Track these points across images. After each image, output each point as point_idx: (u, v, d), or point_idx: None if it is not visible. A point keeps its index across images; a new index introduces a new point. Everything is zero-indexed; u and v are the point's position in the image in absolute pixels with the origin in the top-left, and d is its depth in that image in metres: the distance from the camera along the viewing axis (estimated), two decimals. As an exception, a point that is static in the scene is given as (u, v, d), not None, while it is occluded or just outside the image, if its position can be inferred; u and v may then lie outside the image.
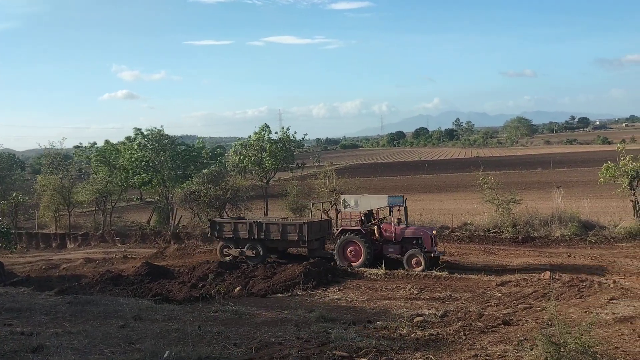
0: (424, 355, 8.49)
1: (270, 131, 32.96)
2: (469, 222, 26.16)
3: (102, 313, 12.22)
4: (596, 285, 14.10)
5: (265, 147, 31.49)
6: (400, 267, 18.56)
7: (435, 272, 17.05)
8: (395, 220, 19.51)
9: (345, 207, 19.64)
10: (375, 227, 19.45)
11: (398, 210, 19.94)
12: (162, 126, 36.20)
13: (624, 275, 15.86)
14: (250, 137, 33.09)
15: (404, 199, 20.16)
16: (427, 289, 14.76)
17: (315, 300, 13.69)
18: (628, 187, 22.44)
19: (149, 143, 34.84)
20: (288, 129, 32.99)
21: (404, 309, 12.16)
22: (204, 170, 31.60)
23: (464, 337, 9.59)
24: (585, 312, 11.35)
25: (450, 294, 14.01)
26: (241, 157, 32.14)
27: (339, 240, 19.32)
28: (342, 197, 20.15)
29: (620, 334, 9.70)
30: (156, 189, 34.04)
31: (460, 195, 41.91)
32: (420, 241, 18.63)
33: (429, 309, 12.08)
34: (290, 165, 33.03)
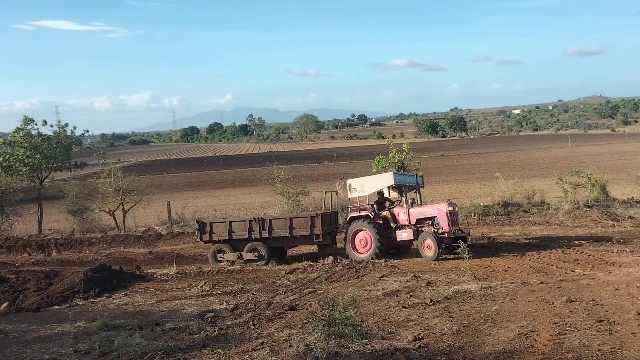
0: (212, 351, 8.49)
1: (43, 123, 29.17)
2: (261, 215, 26.93)
3: None
4: (371, 266, 15.68)
5: (36, 144, 27.97)
6: (193, 263, 18.27)
7: (228, 267, 17.15)
8: (410, 202, 17.58)
9: (351, 192, 17.75)
10: (388, 212, 17.50)
11: (414, 191, 18.02)
12: None
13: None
14: (15, 132, 28.93)
15: (417, 176, 18.49)
16: (219, 284, 14.78)
17: (98, 308, 12.70)
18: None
19: None
20: (66, 124, 29.85)
21: (195, 307, 12.01)
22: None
23: (252, 327, 9.85)
24: (361, 290, 12.54)
25: (242, 286, 14.23)
26: (6, 157, 28.06)
27: (347, 230, 17.32)
28: (348, 181, 18.20)
29: (388, 306, 10.94)
30: None
31: (255, 189, 43.03)
32: (434, 221, 16.58)
33: (220, 304, 12.11)
34: (68, 164, 29.87)
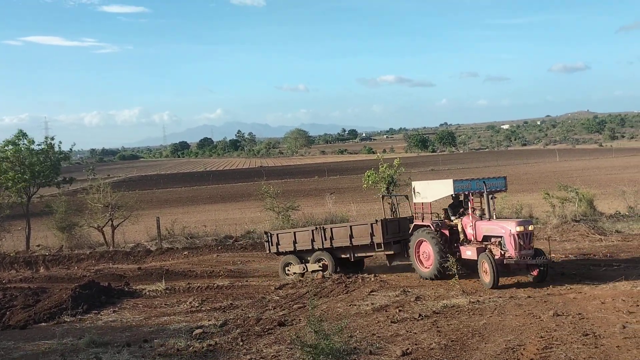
0: (200, 367, 8.47)
1: (32, 141, 28.93)
2: (252, 230, 26.93)
3: None
4: (360, 280, 15.69)
5: (25, 160, 27.74)
6: (182, 279, 18.16)
7: (217, 283, 17.07)
8: (479, 212, 14.85)
9: (415, 196, 15.90)
10: (460, 220, 15.03)
11: (490, 197, 14.88)
12: None
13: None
14: (5, 145, 28.56)
15: (494, 179, 15.33)
16: (208, 300, 14.73)
17: (86, 325, 12.62)
18: (386, 191, 25.58)
19: None
20: (52, 138, 29.63)
21: (184, 323, 11.97)
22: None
23: (241, 343, 9.84)
24: (350, 305, 12.57)
25: (231, 302, 14.20)
26: None
27: (411, 239, 15.55)
28: (413, 183, 16.52)
29: (377, 321, 10.98)
30: None
31: (245, 204, 42.97)
32: (502, 241, 13.79)
33: (209, 320, 12.09)
34: (56, 180, 29.64)
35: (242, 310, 13.08)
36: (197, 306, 13.97)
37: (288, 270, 17.56)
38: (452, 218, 15.47)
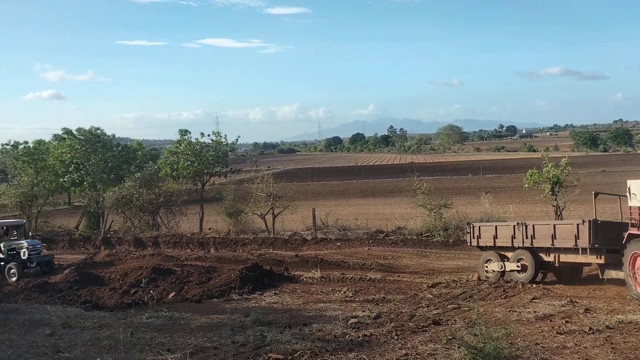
0: (357, 356, 8.72)
1: (201, 135, 31.97)
2: (402, 226, 26.87)
3: (27, 321, 11.70)
4: (520, 286, 14.86)
5: (198, 152, 30.80)
6: (336, 269, 18.79)
7: (369, 275, 17.40)
8: None
9: (630, 198, 13.31)
10: None
11: None
12: (99, 128, 34.84)
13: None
14: (180, 143, 32.09)
15: None
16: (361, 291, 15.07)
17: (251, 304, 13.68)
18: (550, 193, 23.81)
19: (78, 145, 33.47)
20: (219, 133, 32.46)
21: (339, 312, 12.38)
22: (137, 174, 30.72)
23: (396, 337, 9.92)
24: (510, 311, 11.98)
25: (383, 296, 14.38)
26: (173, 166, 31.29)
27: (624, 251, 13.16)
28: (628, 182, 13.67)
29: (540, 330, 10.32)
30: (86, 192, 32.76)
31: (395, 200, 42.96)
32: None
33: (363, 311, 12.37)
34: (224, 170, 32.47)
35: (395, 305, 13.15)
36: (351, 296, 14.36)
37: (487, 266, 16.37)
38: None
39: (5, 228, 23.06)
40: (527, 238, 15.33)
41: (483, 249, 16.97)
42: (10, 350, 9.07)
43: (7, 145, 40.24)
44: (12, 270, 20.74)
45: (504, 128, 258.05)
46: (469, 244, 17.97)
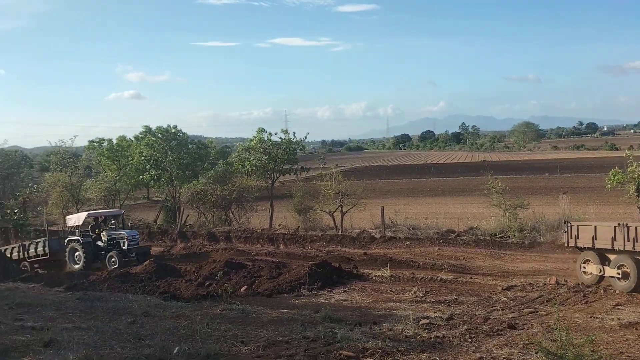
0: (429, 357, 8.59)
1: (270, 133, 32.60)
2: (475, 226, 26.14)
3: (111, 309, 12.39)
4: (602, 291, 14.10)
5: (268, 150, 31.45)
6: (406, 268, 18.58)
7: (441, 276, 17.09)
8: None
9: None
10: None
11: None
12: (175, 126, 36.39)
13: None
14: (251, 140, 32.95)
15: None
16: (432, 292, 14.82)
17: (320, 300, 13.79)
18: (635, 194, 22.40)
19: (157, 143, 35.09)
20: (287, 131, 32.98)
21: (410, 312, 12.24)
22: (211, 171, 31.79)
23: (469, 340, 9.68)
24: (591, 317, 11.39)
25: (455, 297, 14.07)
26: (244, 162, 32.15)
27: None
28: None
29: (625, 339, 9.74)
30: (164, 188, 34.31)
31: (467, 199, 41.89)
32: None
33: (434, 312, 12.16)
34: (294, 167, 32.94)
35: (468, 307, 12.84)
36: (422, 296, 14.16)
37: (584, 268, 15.32)
38: None
39: (104, 218, 24.43)
40: (628, 241, 13.85)
41: (581, 249, 15.77)
42: (96, 336, 9.64)
43: (93, 143, 42.82)
44: (113, 259, 21.87)
45: (584, 125, 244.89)
46: (565, 244, 16.72)
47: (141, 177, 35.68)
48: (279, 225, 29.52)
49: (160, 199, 36.79)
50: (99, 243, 23.08)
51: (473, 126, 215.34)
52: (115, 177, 34.22)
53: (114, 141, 42.24)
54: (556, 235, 22.73)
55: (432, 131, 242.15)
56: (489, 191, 25.86)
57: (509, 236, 23.66)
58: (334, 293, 14.84)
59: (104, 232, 23.09)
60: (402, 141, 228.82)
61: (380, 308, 12.83)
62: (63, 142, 43.96)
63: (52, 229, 32.18)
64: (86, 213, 24.82)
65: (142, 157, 35.13)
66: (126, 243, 22.39)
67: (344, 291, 15.04)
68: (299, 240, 26.19)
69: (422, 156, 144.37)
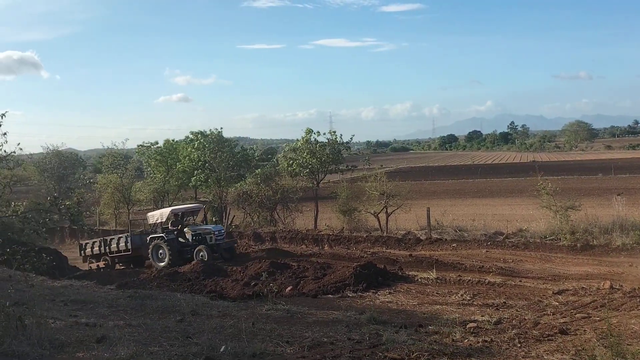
0: (477, 361, 8.40)
1: (318, 133, 32.85)
2: (524, 228, 25.45)
3: (160, 307, 12.71)
4: (660, 297, 13.45)
5: (314, 150, 31.62)
6: (452, 271, 18.27)
7: (488, 279, 16.72)
8: None
9: None
10: None
11: None
12: (221, 128, 37.14)
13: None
14: (298, 140, 33.32)
15: None
16: (480, 295, 14.51)
17: (365, 302, 13.72)
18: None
19: (207, 144, 35.84)
20: (334, 132, 33.06)
21: (456, 315, 12.01)
22: (257, 171, 32.22)
23: (518, 345, 9.41)
24: (649, 324, 10.86)
25: (504, 301, 13.73)
26: (290, 162, 32.47)
27: None
28: None
29: (687, 348, 9.25)
30: (211, 189, 35.02)
31: (516, 200, 40.83)
32: None
33: (482, 316, 11.89)
34: (340, 167, 33.00)
35: (517, 310, 12.49)
36: (469, 300, 13.88)
37: None
38: None
39: (180, 214, 23.63)
40: None
41: None
42: (146, 334, 9.90)
43: (143, 146, 44.10)
44: (202, 253, 21.48)
45: (639, 124, 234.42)
46: None
47: (192, 179, 36.51)
48: (324, 226, 29.59)
49: (207, 199, 37.54)
50: (181, 239, 22.68)
51: (522, 125, 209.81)
52: (164, 178, 35.12)
53: (161, 144, 43.41)
54: (610, 238, 21.87)
55: (479, 131, 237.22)
56: (538, 192, 25.11)
57: (559, 238, 22.93)
58: (379, 295, 14.74)
59: (187, 228, 22.78)
60: (449, 141, 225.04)
61: (426, 311, 12.65)
62: (115, 145, 45.54)
63: (104, 228, 33.41)
64: (170, 209, 24.44)
65: (192, 161, 35.96)
66: (213, 238, 21.91)
67: (389, 293, 14.91)
68: (344, 241, 26.17)
69: (469, 156, 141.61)
